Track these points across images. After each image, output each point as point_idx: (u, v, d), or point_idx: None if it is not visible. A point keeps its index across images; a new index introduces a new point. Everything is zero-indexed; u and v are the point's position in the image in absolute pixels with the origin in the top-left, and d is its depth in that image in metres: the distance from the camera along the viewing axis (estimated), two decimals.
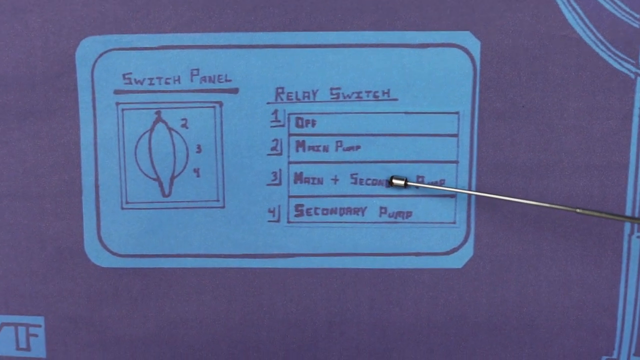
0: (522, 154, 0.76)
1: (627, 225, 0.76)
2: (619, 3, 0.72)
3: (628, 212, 0.76)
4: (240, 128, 0.75)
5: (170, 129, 0.75)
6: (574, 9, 0.73)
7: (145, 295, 0.78)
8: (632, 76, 0.74)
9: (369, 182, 0.76)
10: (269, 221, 0.77)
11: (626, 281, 0.77)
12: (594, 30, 0.73)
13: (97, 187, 0.76)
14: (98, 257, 0.77)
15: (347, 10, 0.73)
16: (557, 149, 0.75)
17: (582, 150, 0.75)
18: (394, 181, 0.75)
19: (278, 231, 0.77)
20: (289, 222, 0.77)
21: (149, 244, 0.77)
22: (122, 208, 0.76)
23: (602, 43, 0.73)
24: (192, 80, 0.75)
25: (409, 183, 0.75)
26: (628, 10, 0.73)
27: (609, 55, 0.74)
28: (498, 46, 0.74)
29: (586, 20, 0.73)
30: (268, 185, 0.76)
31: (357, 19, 0.73)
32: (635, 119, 0.75)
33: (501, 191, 0.76)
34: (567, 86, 0.74)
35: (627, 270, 0.76)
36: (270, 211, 0.77)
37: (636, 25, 0.73)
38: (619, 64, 0.74)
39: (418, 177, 0.76)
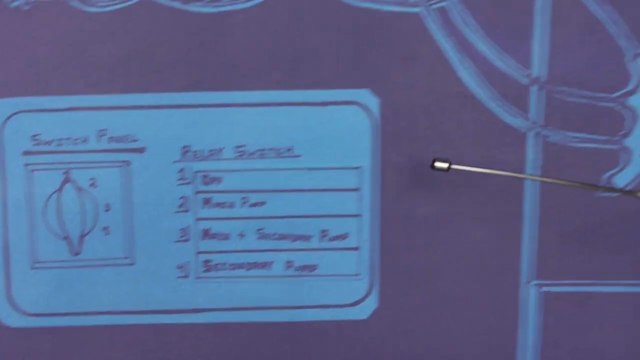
0: (422, 205, 0.74)
1: (524, 273, 0.75)
2: (509, 61, 0.72)
3: (524, 261, 0.75)
4: (148, 186, 0.73)
5: (78, 189, 0.72)
6: (466, 67, 0.72)
7: (57, 354, 0.74)
8: (523, 130, 0.73)
9: (275, 236, 0.74)
10: (178, 277, 0.74)
11: (524, 327, 0.75)
12: (486, 86, 0.72)
13: (6, 247, 0.73)
14: (8, 317, 0.74)
15: (250, 70, 0.72)
16: (454, 201, 0.74)
17: (478, 201, 0.74)
18: (437, 164, 0.70)
19: (187, 287, 0.74)
20: (197, 277, 0.74)
21: (60, 302, 0.74)
22: (32, 267, 0.73)
23: (494, 99, 0.72)
24: (99, 141, 0.72)
25: (453, 166, 0.70)
26: (518, 67, 0.72)
27: (501, 111, 0.73)
28: (396, 103, 0.73)
29: (478, 77, 0.72)
30: (176, 242, 0.74)
31: (260, 78, 0.72)
32: (528, 171, 0.74)
33: (404, 243, 0.74)
34: (463, 140, 0.73)
35: (524, 316, 0.75)
36: (179, 267, 0.74)
37: (526, 81, 0.72)
38: (512, 118, 0.73)
39: (323, 231, 0.74)
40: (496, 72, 0.73)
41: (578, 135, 0.74)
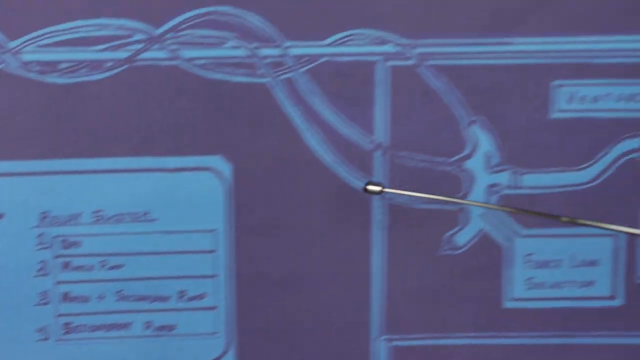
0: (276, 266, 0.76)
1: (374, 329, 0.77)
2: (353, 128, 0.75)
3: (373, 317, 0.77)
4: (6, 252, 0.74)
5: None
6: (313, 134, 0.75)
7: None
8: None
9: (134, 298, 0.75)
10: (38, 340, 0.75)
11: None
12: (332, 152, 0.75)
13: None
14: None
15: (106, 138, 0.74)
16: (307, 260, 0.76)
17: (329, 261, 0.76)
18: (369, 187, 0.73)
19: (47, 350, 0.75)
20: (58, 340, 0.75)
21: None
22: None
23: (340, 164, 0.75)
24: None
25: (385, 190, 0.73)
26: (361, 133, 0.75)
27: (347, 175, 0.76)
28: (248, 169, 0.75)
29: (325, 143, 0.75)
30: (36, 305, 0.74)
31: (116, 146, 0.74)
32: (374, 231, 0.77)
33: (260, 302, 0.76)
34: (312, 203, 0.76)
35: None
36: (39, 330, 0.75)
37: (370, 147, 0.75)
38: (357, 182, 0.76)
39: (180, 291, 0.75)
40: (341, 139, 0.76)
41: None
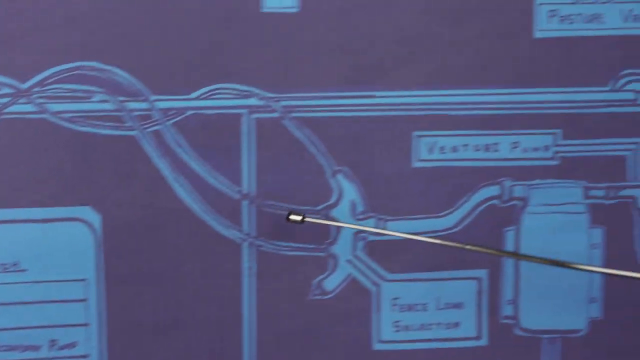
0: (148, 314, 0.76)
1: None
2: (221, 178, 0.76)
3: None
4: None
5: None
6: (182, 184, 0.76)
7: None
8: (239, 241, 0.77)
9: (4, 348, 0.75)
10: None
11: None
12: (201, 202, 0.76)
13: None
14: None
15: None
16: (179, 307, 0.77)
17: (200, 307, 0.77)
18: (291, 217, 0.74)
19: None
20: None
21: None
22: None
23: (209, 213, 0.76)
24: None
25: (306, 219, 0.74)
26: (229, 183, 0.76)
27: (217, 224, 0.76)
28: (117, 218, 0.76)
29: (193, 193, 0.76)
30: None
31: None
32: (245, 278, 0.77)
33: (131, 349, 0.76)
34: (182, 252, 0.77)
35: None
36: None
37: (237, 197, 0.76)
38: (226, 230, 0.76)
39: (52, 340, 0.75)
40: (210, 189, 0.77)
41: (288, 244, 0.78)
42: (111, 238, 0.76)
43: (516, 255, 0.72)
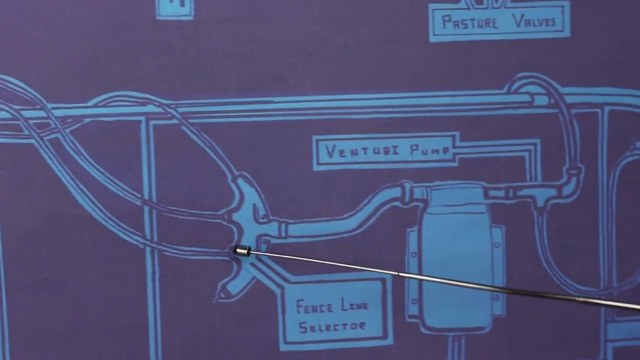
0: (51, 322, 0.75)
1: None
2: (121, 185, 0.75)
3: None
4: None
5: None
6: (82, 191, 0.75)
7: None
8: (141, 246, 0.76)
9: None
10: None
11: None
12: (102, 208, 0.75)
13: None
14: None
15: None
16: (83, 314, 0.75)
17: (105, 313, 0.76)
18: (238, 250, 0.76)
19: None
20: None
21: None
22: None
23: (111, 219, 0.75)
24: None
25: (252, 252, 0.77)
26: (130, 190, 0.75)
27: (119, 230, 0.75)
28: (17, 227, 0.75)
29: (94, 200, 0.75)
30: None
31: None
32: (149, 283, 0.76)
33: (37, 357, 0.75)
34: (85, 258, 0.76)
35: None
36: None
37: (139, 203, 0.75)
38: (129, 236, 0.75)
39: None
40: (110, 195, 0.76)
41: (191, 249, 0.77)
42: (11, 246, 0.75)
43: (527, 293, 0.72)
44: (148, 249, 0.77)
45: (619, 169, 0.81)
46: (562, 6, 0.79)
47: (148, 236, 0.77)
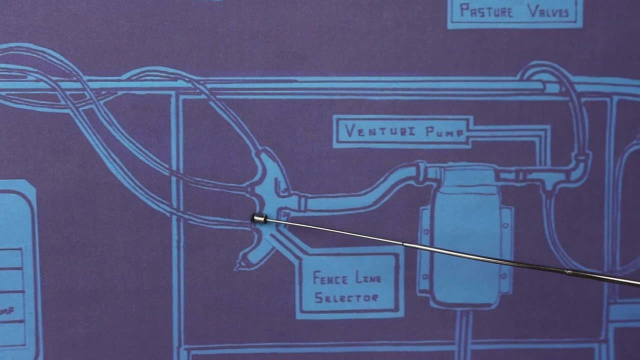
0: (81, 282, 0.76)
1: (175, 339, 0.77)
2: (150, 156, 0.75)
3: (174, 329, 0.77)
4: None
5: None
6: (114, 160, 0.75)
7: None
8: (168, 214, 0.77)
9: None
10: None
11: None
12: (132, 177, 0.75)
13: None
14: None
15: None
16: (111, 277, 0.76)
17: (131, 277, 0.77)
18: (255, 217, 0.77)
19: None
20: None
21: None
22: None
23: (140, 188, 0.76)
24: None
25: (268, 220, 0.77)
26: (159, 161, 0.76)
27: (147, 198, 0.76)
28: (52, 191, 0.76)
29: (125, 169, 0.76)
30: None
31: None
32: (174, 250, 0.77)
33: (66, 315, 0.76)
34: (114, 224, 0.76)
35: None
36: None
37: (166, 174, 0.76)
38: (156, 204, 0.76)
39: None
40: (140, 165, 0.76)
41: (215, 218, 0.78)
42: (45, 210, 0.76)
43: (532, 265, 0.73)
44: (174, 218, 0.78)
45: (626, 156, 0.81)
46: None
47: (174, 205, 0.78)
